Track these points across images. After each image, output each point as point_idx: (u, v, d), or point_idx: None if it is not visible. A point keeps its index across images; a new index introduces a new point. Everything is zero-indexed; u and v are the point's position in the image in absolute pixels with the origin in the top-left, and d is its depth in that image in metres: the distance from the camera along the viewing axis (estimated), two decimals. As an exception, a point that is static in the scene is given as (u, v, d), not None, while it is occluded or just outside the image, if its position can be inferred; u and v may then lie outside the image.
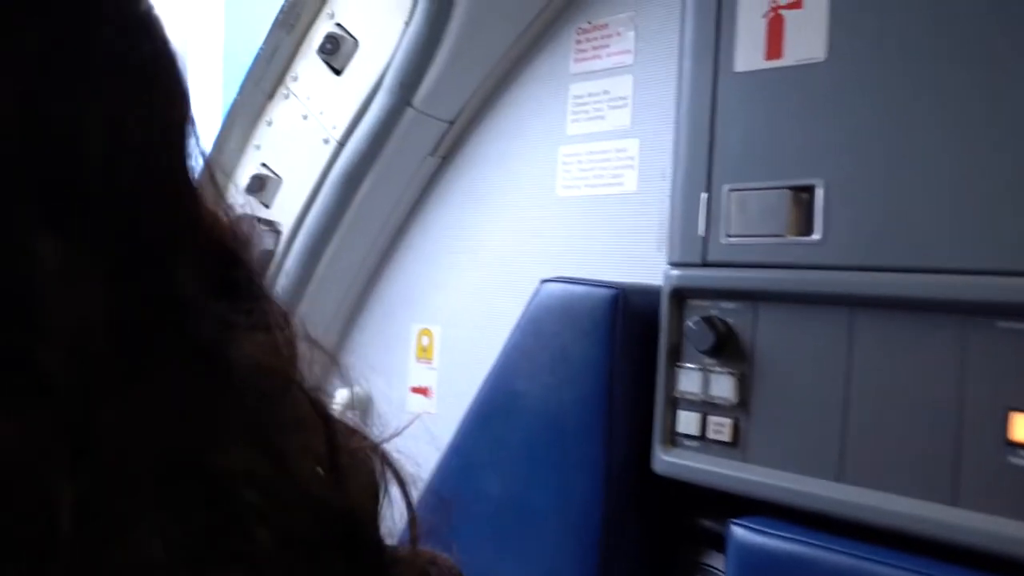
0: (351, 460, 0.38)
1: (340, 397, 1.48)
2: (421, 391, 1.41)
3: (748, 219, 0.82)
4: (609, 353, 0.90)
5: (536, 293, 0.98)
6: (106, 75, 0.31)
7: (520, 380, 0.97)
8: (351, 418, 0.44)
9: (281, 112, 1.43)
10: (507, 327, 1.22)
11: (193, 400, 0.32)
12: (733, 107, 0.84)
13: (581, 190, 1.21)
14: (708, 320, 0.84)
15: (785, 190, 0.80)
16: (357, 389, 1.50)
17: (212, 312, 0.34)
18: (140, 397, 0.30)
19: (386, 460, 0.42)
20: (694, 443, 0.86)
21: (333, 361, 0.42)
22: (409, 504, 0.42)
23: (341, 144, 1.36)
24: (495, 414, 1.00)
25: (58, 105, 0.29)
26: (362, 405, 1.50)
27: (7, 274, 0.28)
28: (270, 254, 1.46)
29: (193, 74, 1.91)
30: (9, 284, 0.28)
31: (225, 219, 0.39)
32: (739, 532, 0.80)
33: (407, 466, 0.45)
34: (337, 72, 1.37)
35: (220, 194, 0.40)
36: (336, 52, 1.36)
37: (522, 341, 0.98)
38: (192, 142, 0.36)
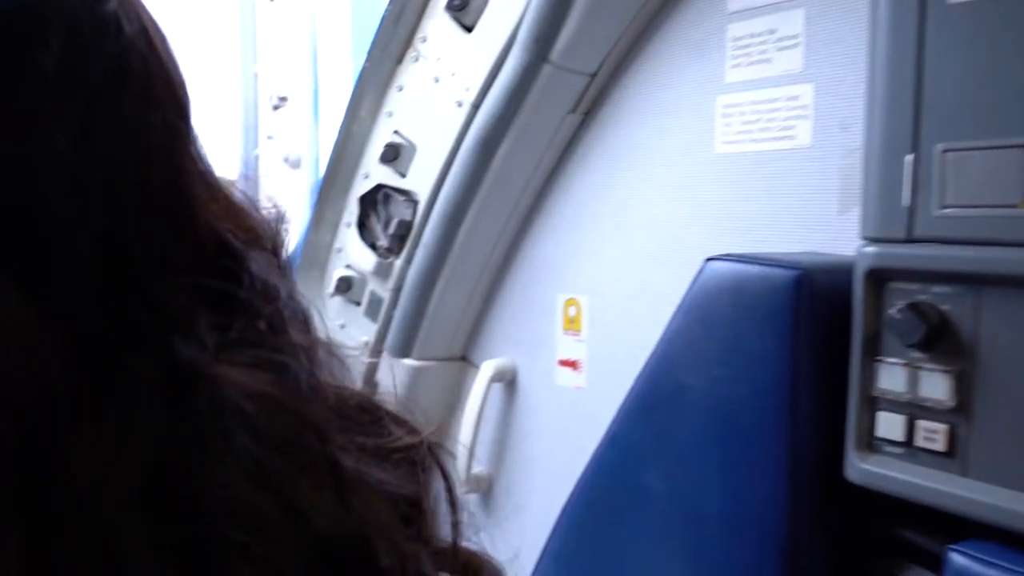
0: (380, 469, 0.38)
1: (486, 369, 1.44)
2: (569, 364, 1.33)
3: (969, 186, 0.68)
4: (792, 344, 0.78)
5: (700, 272, 0.87)
6: (73, 84, 0.30)
7: (686, 371, 0.87)
8: (399, 409, 0.43)
9: (411, 76, 1.36)
10: (661, 299, 1.11)
11: (171, 429, 0.31)
12: (947, 44, 0.69)
13: (744, 145, 1.07)
14: (916, 307, 0.70)
15: (1018, 149, 0.65)
16: (502, 360, 1.45)
17: (199, 333, 0.33)
18: (110, 428, 0.29)
19: (432, 453, 0.41)
20: (898, 450, 0.73)
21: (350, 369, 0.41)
22: (453, 502, 0.42)
23: (475, 106, 1.27)
24: (658, 406, 0.91)
25: (16, 124, 0.29)
26: (507, 376, 1.44)
27: None
28: (408, 225, 1.41)
29: (323, 43, 1.87)
30: None
31: (238, 224, 0.38)
32: (960, 561, 0.67)
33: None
34: (467, 29, 1.28)
35: (232, 203, 0.39)
36: (465, 8, 1.26)
37: (686, 327, 0.87)
38: (186, 142, 0.35)
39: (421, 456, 0.42)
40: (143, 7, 0.36)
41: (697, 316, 0.86)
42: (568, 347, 1.33)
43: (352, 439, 0.39)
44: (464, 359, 1.55)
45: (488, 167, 1.30)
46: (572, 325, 1.32)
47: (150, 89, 0.34)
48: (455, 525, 0.42)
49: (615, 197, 1.25)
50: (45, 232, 0.30)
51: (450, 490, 0.42)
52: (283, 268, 0.41)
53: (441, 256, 1.39)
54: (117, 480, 0.30)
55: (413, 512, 0.40)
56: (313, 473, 0.34)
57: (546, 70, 1.20)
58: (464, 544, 0.43)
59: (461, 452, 1.42)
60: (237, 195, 0.41)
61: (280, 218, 0.42)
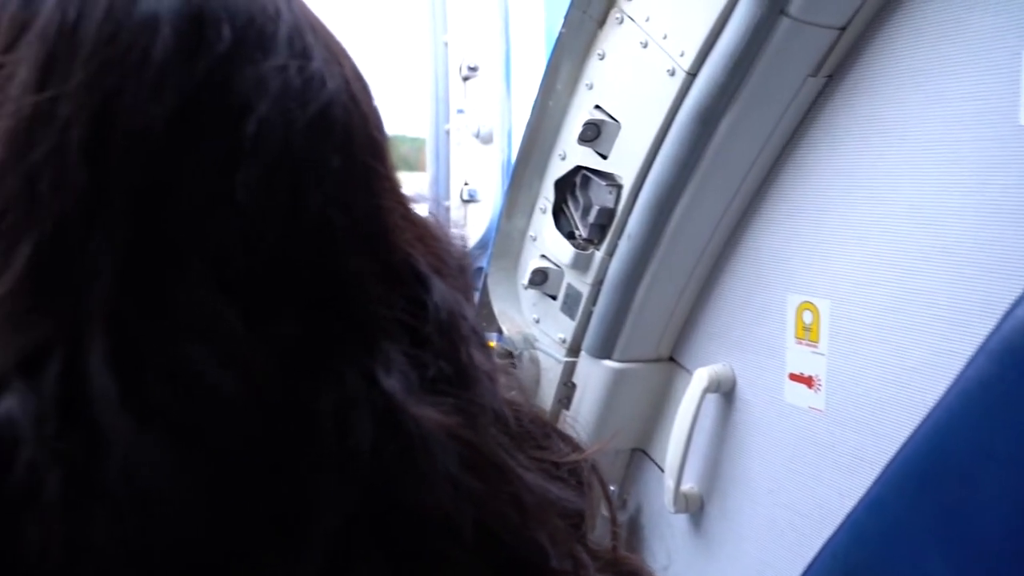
0: (551, 482, 0.43)
1: (699, 377, 1.25)
2: (803, 380, 1.12)
3: None
4: None
5: (1017, 307, 0.63)
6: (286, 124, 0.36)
7: (995, 437, 0.64)
8: (565, 426, 0.48)
9: (615, 41, 1.17)
10: (928, 313, 0.88)
11: (383, 448, 0.36)
12: None
13: (1066, 115, 0.80)
14: None
15: None
16: (718, 368, 1.25)
17: (396, 360, 0.38)
18: (331, 447, 0.35)
19: (594, 471, 0.47)
20: None
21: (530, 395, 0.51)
22: (613, 515, 0.48)
23: (692, 74, 1.07)
24: (946, 477, 0.69)
25: (230, 178, 0.35)
26: (724, 387, 1.25)
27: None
28: (609, 213, 1.24)
29: (515, 6, 1.71)
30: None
31: (428, 251, 0.42)
32: None
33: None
34: (684, -19, 1.07)
35: (428, 224, 0.44)
36: (682, -45, 1.06)
37: (998, 376, 0.64)
38: (382, 180, 0.41)
39: (585, 472, 0.46)
40: (345, 56, 0.41)
41: (1014, 366, 0.63)
42: (801, 359, 1.11)
43: (530, 454, 0.43)
44: (672, 360, 1.37)
45: (707, 146, 1.10)
46: (807, 334, 1.10)
47: (351, 136, 0.39)
48: (615, 535, 0.46)
49: (869, 180, 1.01)
50: (267, 268, 0.35)
51: (609, 502, 0.47)
52: (468, 292, 0.45)
53: (648, 248, 1.21)
54: (344, 493, 0.34)
55: (579, 522, 0.44)
56: (499, 497, 0.39)
57: (783, 25, 0.98)
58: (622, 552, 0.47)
59: (669, 466, 1.26)
60: (428, 221, 0.44)
61: (464, 242, 0.46)
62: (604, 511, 0.50)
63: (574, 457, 0.46)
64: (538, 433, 0.46)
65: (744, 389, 1.23)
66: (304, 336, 0.36)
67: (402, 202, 0.43)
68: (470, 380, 0.42)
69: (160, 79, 0.35)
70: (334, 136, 0.38)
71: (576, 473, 0.46)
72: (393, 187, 0.42)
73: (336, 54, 0.41)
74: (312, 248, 0.37)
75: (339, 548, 0.35)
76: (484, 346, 0.45)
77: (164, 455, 0.33)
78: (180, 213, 0.35)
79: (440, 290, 0.41)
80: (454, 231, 0.46)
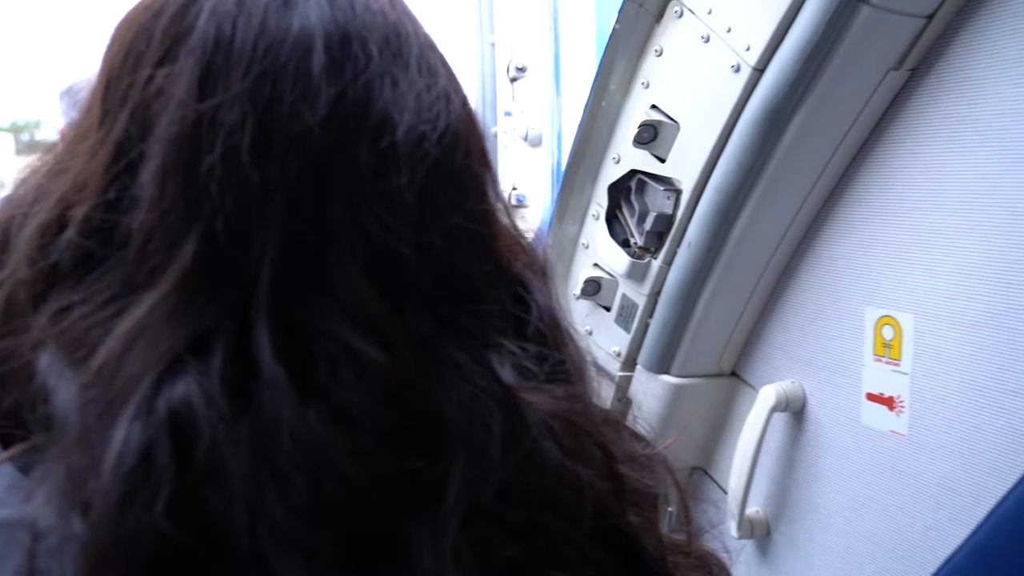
0: (635, 472, 0.47)
1: (766, 395, 1.16)
2: (883, 401, 1.02)
3: None
4: None
5: None
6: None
7: None
8: (635, 425, 0.52)
9: (674, 36, 1.10)
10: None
11: (495, 445, 0.39)
12: None
13: None
14: None
15: None
16: (786, 385, 1.16)
17: (509, 353, 0.42)
18: (463, 424, 0.39)
19: (667, 466, 0.50)
20: None
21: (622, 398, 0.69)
22: (686, 508, 0.50)
23: (759, 70, 0.99)
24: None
25: (375, 185, 0.40)
26: (793, 405, 1.16)
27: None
28: (667, 219, 1.16)
29: (564, 4, 1.64)
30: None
31: (523, 254, 0.48)
32: None
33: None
34: (750, -31, 0.99)
35: (518, 230, 0.49)
36: (749, -59, 0.97)
37: None
38: (489, 183, 0.46)
39: (659, 466, 0.49)
40: (456, 74, 0.47)
41: None
42: (881, 379, 1.02)
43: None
44: (735, 376, 1.28)
45: (775, 147, 1.01)
46: (888, 351, 1.01)
47: (468, 147, 0.44)
48: (687, 522, 0.50)
49: (959, 182, 0.91)
50: (404, 264, 0.40)
51: (681, 492, 0.49)
52: (555, 293, 0.48)
53: (710, 257, 1.13)
54: (471, 474, 0.39)
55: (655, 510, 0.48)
56: (600, 477, 0.43)
57: (863, 14, 0.89)
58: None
59: (733, 488, 1.18)
60: (518, 227, 0.49)
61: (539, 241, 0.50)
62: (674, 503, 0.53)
63: (646, 452, 0.49)
64: (610, 431, 0.48)
65: (815, 408, 1.14)
66: (434, 328, 0.40)
67: (506, 211, 0.48)
68: (575, 372, 0.46)
69: (314, 89, 0.39)
70: (460, 148, 0.43)
71: (649, 469, 0.49)
72: (498, 194, 0.47)
73: (453, 73, 0.46)
74: (441, 248, 0.41)
75: (470, 523, 0.38)
76: (575, 342, 0.49)
77: (328, 432, 0.36)
78: (334, 209, 0.39)
79: (539, 289, 0.46)
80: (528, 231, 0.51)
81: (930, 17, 0.90)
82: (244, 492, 0.34)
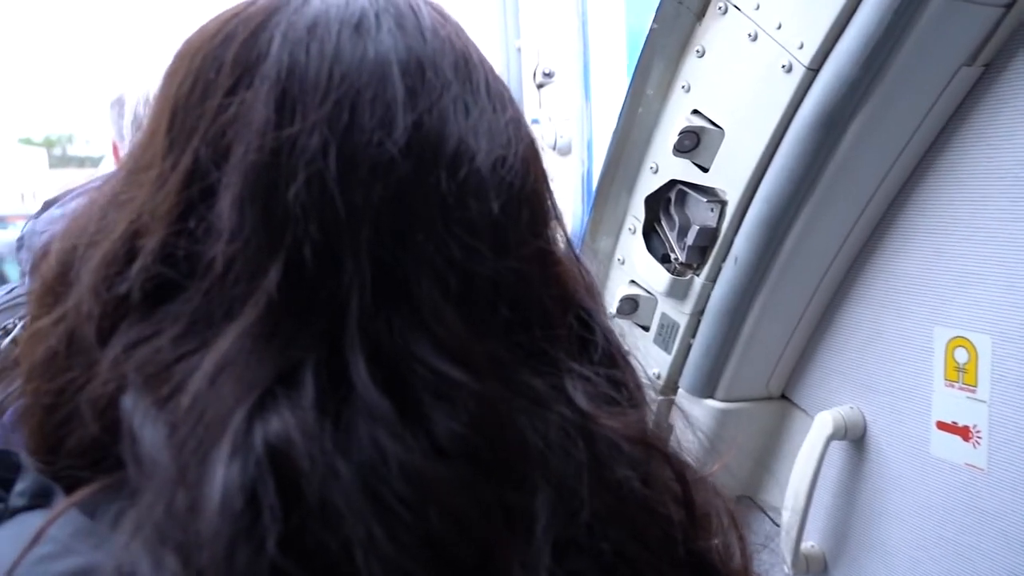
0: (700, 500, 0.46)
1: (823, 422, 1.07)
2: (956, 431, 0.93)
3: None
4: None
5: None
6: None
7: None
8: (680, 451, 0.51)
9: (717, 35, 1.01)
10: None
11: (578, 474, 0.39)
12: None
13: None
14: None
15: None
16: (845, 411, 1.07)
17: (584, 382, 0.42)
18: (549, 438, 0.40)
19: (718, 494, 0.49)
20: None
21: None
22: (740, 536, 0.49)
23: (813, 70, 0.90)
24: None
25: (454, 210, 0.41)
26: (852, 433, 1.06)
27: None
28: (711, 233, 1.07)
29: (591, 7, 1.55)
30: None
31: (581, 277, 0.48)
32: None
33: None
34: (802, -41, 0.90)
35: (574, 252, 0.49)
36: (801, -72, 0.89)
37: None
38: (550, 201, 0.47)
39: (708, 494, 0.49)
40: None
41: None
42: (953, 406, 0.93)
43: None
44: (785, 399, 1.19)
45: (831, 153, 0.93)
46: (961, 376, 0.92)
47: (537, 171, 0.45)
48: (741, 539, 0.49)
49: (1043, 190, 0.82)
50: (480, 290, 0.40)
51: (733, 519, 0.49)
52: (607, 316, 0.49)
53: (758, 272, 1.04)
54: (552, 498, 0.39)
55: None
56: (676, 502, 0.44)
57: (933, 5, 0.80)
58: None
59: (787, 521, 1.09)
60: (574, 250, 0.50)
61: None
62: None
63: (695, 477, 0.48)
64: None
65: (876, 436, 1.05)
66: (511, 354, 0.40)
67: (563, 232, 0.47)
68: (638, 394, 0.47)
69: (393, 116, 0.39)
70: (532, 175, 0.44)
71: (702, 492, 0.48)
72: (558, 217, 0.47)
73: (515, 99, 0.47)
74: (516, 273, 0.41)
75: (562, 557, 0.38)
76: (634, 365, 0.49)
77: (432, 465, 0.36)
78: (418, 236, 0.39)
79: (599, 313, 0.46)
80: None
81: (1009, 7, 0.81)
82: (355, 529, 0.34)
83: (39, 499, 0.41)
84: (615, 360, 0.46)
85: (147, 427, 0.36)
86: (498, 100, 0.44)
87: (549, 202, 0.46)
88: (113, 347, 0.39)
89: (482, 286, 0.40)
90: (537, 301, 0.42)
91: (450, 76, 0.42)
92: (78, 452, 0.40)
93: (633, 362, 0.50)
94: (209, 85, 0.42)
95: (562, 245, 0.48)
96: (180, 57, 0.44)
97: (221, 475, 0.34)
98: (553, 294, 0.44)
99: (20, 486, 0.41)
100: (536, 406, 0.40)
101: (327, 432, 0.35)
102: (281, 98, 0.39)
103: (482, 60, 0.46)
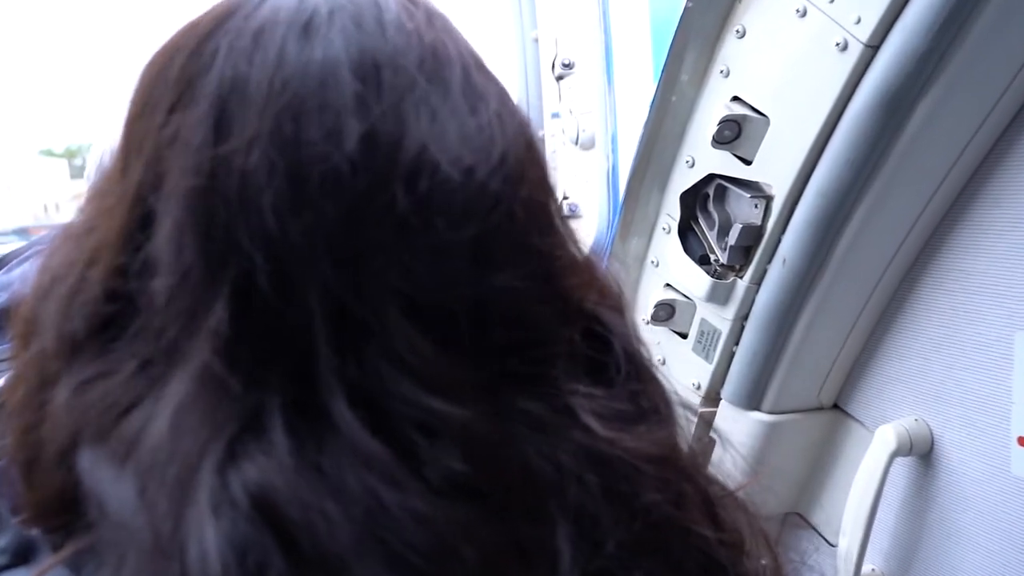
0: (728, 519, 0.44)
1: (884, 437, 0.97)
2: (1042, 448, 0.83)
3: None
4: None
5: None
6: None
7: None
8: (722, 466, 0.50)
9: (760, 13, 0.91)
10: None
11: (596, 501, 0.37)
12: None
13: None
14: None
15: None
16: (908, 423, 0.97)
17: (593, 400, 0.39)
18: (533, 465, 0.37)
19: (744, 509, 0.46)
20: None
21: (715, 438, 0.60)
22: (775, 557, 0.47)
23: (873, 47, 0.80)
24: None
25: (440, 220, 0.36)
26: (918, 449, 0.97)
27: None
28: (756, 231, 0.98)
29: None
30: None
31: (595, 286, 0.44)
32: None
33: None
34: (859, -77, 0.80)
35: (588, 260, 0.44)
36: None
37: None
38: (554, 212, 0.42)
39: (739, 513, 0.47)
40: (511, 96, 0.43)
41: None
42: (1039, 419, 0.83)
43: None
44: (838, 408, 1.10)
45: (893, 140, 0.83)
46: (1049, 386, 0.82)
47: (528, 175, 0.40)
48: (775, 558, 0.46)
49: None
50: (456, 312, 0.36)
51: (767, 541, 0.46)
52: (635, 327, 0.46)
53: (810, 274, 0.95)
54: (565, 528, 0.36)
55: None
56: (703, 523, 0.41)
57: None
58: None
59: (847, 545, 1.00)
60: (592, 258, 0.46)
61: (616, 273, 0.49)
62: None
63: (726, 495, 0.46)
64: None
65: (946, 452, 0.95)
66: (503, 380, 0.37)
67: (573, 239, 0.43)
68: (665, 410, 0.43)
69: (340, 125, 0.35)
70: (519, 178, 0.39)
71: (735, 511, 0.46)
72: (565, 226, 0.43)
73: (505, 93, 0.42)
74: (503, 294, 0.37)
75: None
76: (660, 379, 0.45)
77: (432, 508, 0.33)
78: (378, 261, 0.35)
79: (617, 325, 0.43)
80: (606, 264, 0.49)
81: (1103, -34, 0.71)
82: (352, 572, 0.32)
83: (20, 557, 0.40)
84: (639, 375, 0.43)
85: (111, 487, 0.34)
86: (477, 99, 0.39)
87: (549, 209, 0.42)
88: (63, 388, 0.37)
89: (462, 310, 0.36)
90: (535, 319, 0.39)
91: (414, 75, 0.37)
92: (56, 505, 0.38)
93: (661, 376, 0.46)
94: (155, 103, 0.39)
95: (574, 251, 0.43)
96: (139, 73, 0.42)
97: (211, 538, 0.31)
98: (558, 309, 0.40)
99: (0, 543, 0.40)
100: (538, 432, 0.37)
101: (308, 476, 0.32)
102: (220, 114, 0.36)
103: (463, 54, 0.40)
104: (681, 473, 0.41)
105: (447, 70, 0.39)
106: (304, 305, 0.34)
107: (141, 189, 0.38)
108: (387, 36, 0.38)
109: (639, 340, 0.45)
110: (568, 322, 0.41)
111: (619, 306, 0.45)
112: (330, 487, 0.33)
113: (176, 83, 0.38)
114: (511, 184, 0.38)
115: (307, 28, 0.37)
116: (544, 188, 0.42)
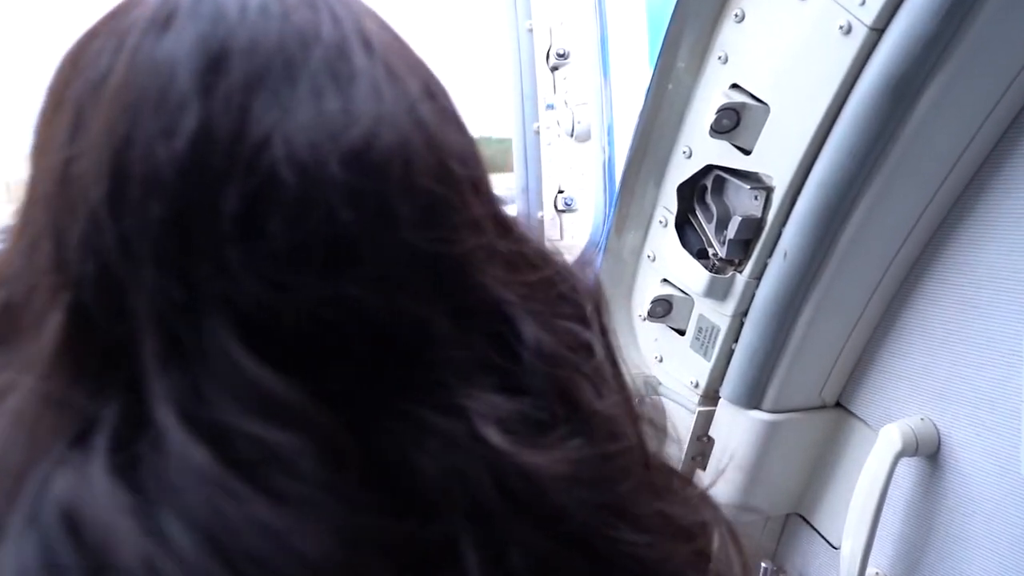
0: (682, 513, 0.41)
1: (889, 437, 0.94)
2: (1054, 448, 0.80)
3: None
4: None
5: None
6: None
7: None
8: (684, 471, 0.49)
9: (760, -5, 0.88)
10: None
11: (495, 503, 0.34)
12: None
13: None
14: None
15: None
16: (914, 423, 0.94)
17: (496, 412, 0.36)
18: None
19: (708, 504, 0.44)
20: None
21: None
22: (740, 550, 0.44)
23: (878, 30, 0.77)
24: None
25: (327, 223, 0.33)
26: (924, 449, 0.93)
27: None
28: (756, 224, 0.95)
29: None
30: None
31: (520, 278, 0.39)
32: None
33: None
34: (863, -101, 0.77)
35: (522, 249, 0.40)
36: None
37: None
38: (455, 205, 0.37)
39: (721, 534, 0.44)
40: (418, 72, 0.39)
41: None
42: (1052, 419, 0.79)
43: (651, 508, 0.40)
44: (840, 407, 1.06)
45: (899, 127, 0.79)
46: (1061, 384, 0.78)
47: (409, 165, 0.35)
48: (739, 551, 0.44)
49: None
50: (307, 317, 0.33)
51: (737, 544, 0.44)
52: (585, 323, 0.41)
53: (812, 268, 0.91)
54: (460, 548, 0.34)
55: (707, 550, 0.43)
56: (618, 549, 0.37)
57: (1029, -56, 0.67)
58: None
59: (850, 548, 0.96)
60: (527, 249, 0.41)
61: (585, 262, 0.47)
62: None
63: (700, 518, 0.43)
64: (661, 479, 0.43)
65: (953, 452, 0.91)
66: (361, 387, 0.34)
67: (485, 231, 0.38)
68: (583, 423, 0.39)
69: (172, 121, 0.33)
70: (380, 166, 0.34)
71: (705, 534, 0.43)
72: (471, 217, 0.38)
73: (399, 72, 0.37)
74: (356, 292, 0.33)
75: None
76: (606, 383, 0.41)
77: (278, 524, 0.31)
78: (202, 270, 0.32)
79: (530, 327, 0.38)
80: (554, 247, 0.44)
81: (1121, -58, 0.67)
82: None
83: None
84: (554, 381, 0.38)
85: None
86: (336, 81, 0.34)
87: (446, 198, 0.36)
88: None
89: (307, 321, 0.33)
90: (410, 323, 0.34)
91: (270, 62, 0.34)
92: None
93: (624, 375, 0.43)
94: (42, 112, 0.38)
95: (503, 245, 0.39)
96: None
97: (23, 553, 0.30)
98: (445, 309, 0.35)
99: None
100: (423, 432, 0.34)
101: (120, 492, 0.30)
102: (76, 119, 0.35)
103: (345, 33, 0.36)
104: (607, 491, 0.37)
105: (314, 51, 0.35)
106: (132, 316, 0.32)
107: (24, 199, 0.38)
108: (246, 22, 0.35)
109: (570, 350, 0.40)
110: (463, 322, 0.36)
111: (555, 308, 0.40)
112: (146, 503, 0.31)
113: (53, 89, 0.38)
114: (378, 175, 0.34)
115: (166, 22, 0.35)
116: (438, 177, 0.36)
